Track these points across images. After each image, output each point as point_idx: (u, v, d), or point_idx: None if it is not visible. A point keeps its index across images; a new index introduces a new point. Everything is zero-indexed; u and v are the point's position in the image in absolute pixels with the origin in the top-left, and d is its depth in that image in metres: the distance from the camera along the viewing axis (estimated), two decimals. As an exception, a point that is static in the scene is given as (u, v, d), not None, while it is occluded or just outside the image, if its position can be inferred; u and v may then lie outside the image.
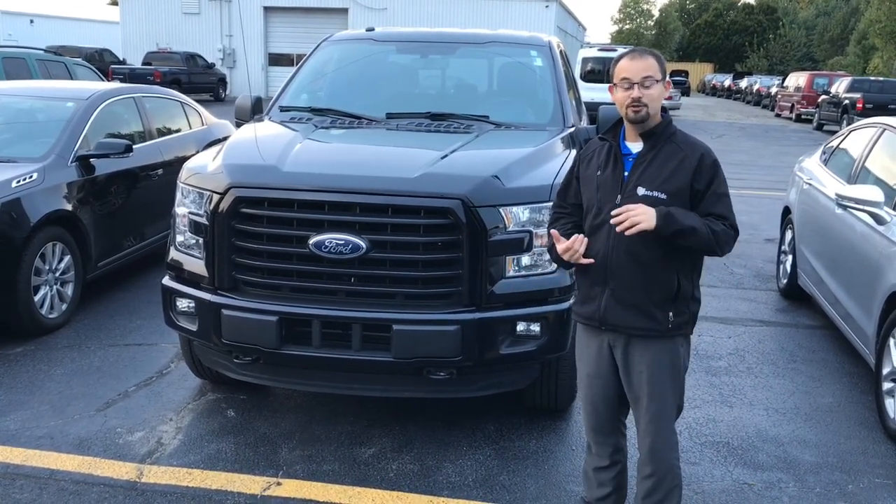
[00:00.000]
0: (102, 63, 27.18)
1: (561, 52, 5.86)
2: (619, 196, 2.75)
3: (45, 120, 6.25)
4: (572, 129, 4.80)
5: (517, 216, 3.62)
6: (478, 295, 3.58)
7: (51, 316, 5.42)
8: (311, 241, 3.53)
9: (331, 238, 3.51)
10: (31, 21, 38.53)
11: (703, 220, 2.67)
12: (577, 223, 2.93)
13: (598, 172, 2.83)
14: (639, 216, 2.60)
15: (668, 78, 2.79)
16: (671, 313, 2.75)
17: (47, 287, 5.39)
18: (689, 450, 4.06)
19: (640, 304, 2.75)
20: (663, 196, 2.69)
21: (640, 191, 2.71)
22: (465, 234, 3.51)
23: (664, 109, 2.81)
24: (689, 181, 2.70)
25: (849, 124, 10.47)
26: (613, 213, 2.66)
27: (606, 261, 2.76)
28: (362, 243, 3.49)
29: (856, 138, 6.12)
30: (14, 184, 5.21)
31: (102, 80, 13.20)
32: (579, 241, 2.76)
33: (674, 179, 2.70)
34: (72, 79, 12.46)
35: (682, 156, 2.73)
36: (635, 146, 2.80)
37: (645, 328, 2.77)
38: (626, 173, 2.77)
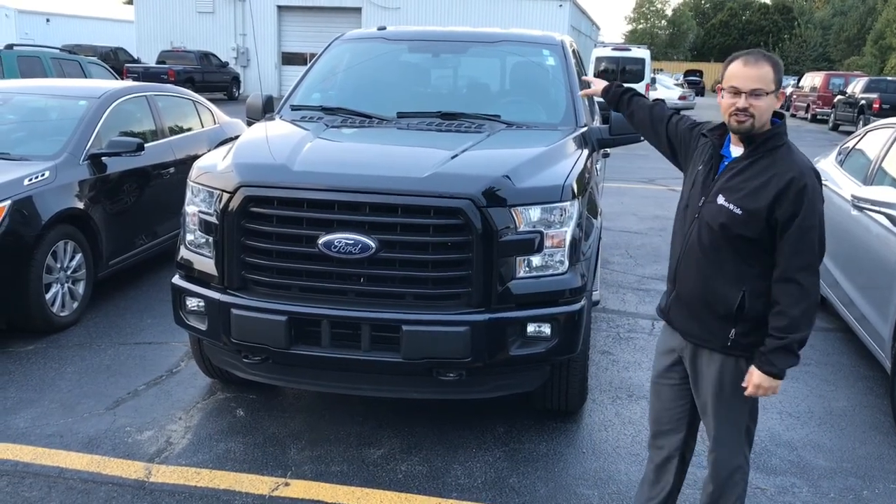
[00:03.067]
0: (117, 61, 27.40)
1: (574, 51, 5.83)
2: (702, 199, 2.63)
3: (57, 118, 6.27)
4: (584, 129, 4.77)
5: (528, 216, 3.59)
6: (488, 296, 3.55)
7: (62, 314, 5.43)
8: (321, 240, 3.51)
9: (340, 238, 3.49)
10: (48, 20, 38.77)
11: (794, 319, 2.47)
12: (643, 105, 3.21)
13: (699, 167, 2.72)
14: (764, 390, 2.56)
15: (783, 88, 2.60)
16: (734, 331, 2.59)
17: (59, 285, 5.40)
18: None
19: (699, 314, 2.66)
20: (738, 211, 2.50)
21: (720, 199, 2.56)
22: (475, 235, 3.48)
23: (779, 116, 2.60)
24: (770, 204, 2.46)
25: (865, 125, 10.36)
26: (747, 394, 2.60)
27: (678, 261, 2.72)
28: (372, 243, 3.48)
29: (872, 139, 6.05)
30: (26, 182, 5.23)
31: (116, 79, 13.26)
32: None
33: (754, 198, 2.49)
34: (86, 77, 12.52)
35: (772, 174, 2.49)
36: (735, 150, 2.63)
37: (701, 337, 2.68)
38: (716, 177, 2.64)
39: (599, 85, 3.68)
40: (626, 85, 3.42)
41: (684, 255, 2.68)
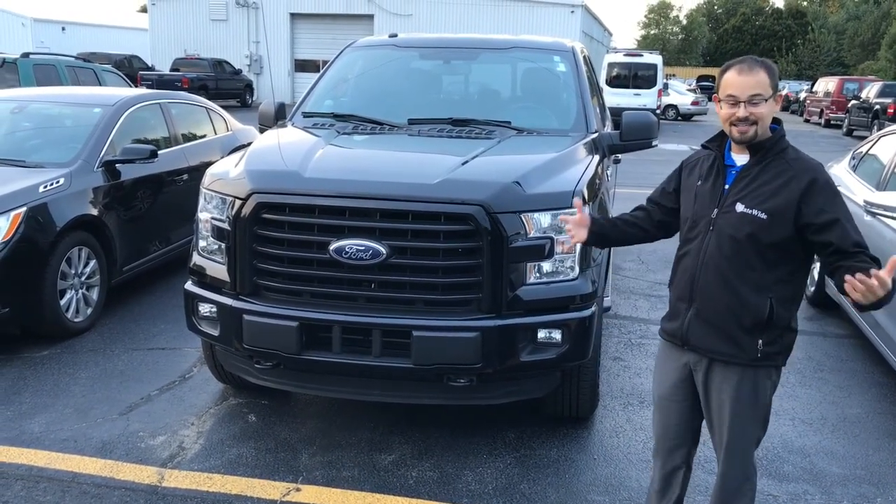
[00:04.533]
0: (131, 69, 27.62)
1: (585, 57, 5.83)
2: (715, 210, 2.60)
3: (72, 126, 6.32)
4: (595, 135, 4.77)
5: (538, 222, 3.60)
6: (498, 301, 3.55)
7: (76, 320, 5.48)
8: (332, 246, 3.53)
9: (351, 244, 3.51)
10: (63, 28, 39.12)
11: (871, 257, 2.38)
12: (651, 214, 2.90)
13: (699, 183, 2.68)
14: (878, 291, 2.21)
15: (780, 91, 2.57)
16: (761, 341, 2.56)
17: (73, 291, 5.45)
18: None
19: (725, 328, 2.59)
20: (763, 216, 2.48)
21: (739, 207, 2.53)
22: (485, 241, 3.49)
23: (777, 121, 2.61)
24: (796, 205, 2.46)
25: (879, 130, 10.31)
26: (848, 285, 2.26)
27: (694, 278, 2.64)
28: (383, 249, 3.49)
29: (885, 144, 6.02)
30: (41, 189, 5.28)
31: (131, 87, 13.36)
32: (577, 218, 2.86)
33: (777, 200, 2.48)
34: (100, 85, 12.62)
35: (791, 175, 2.49)
36: (740, 158, 2.61)
37: (728, 353, 2.61)
38: (726, 186, 2.60)
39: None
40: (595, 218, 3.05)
41: (702, 269, 2.62)
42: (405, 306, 3.61)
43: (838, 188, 2.56)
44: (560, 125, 4.94)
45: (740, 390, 2.64)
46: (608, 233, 2.98)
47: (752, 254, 2.53)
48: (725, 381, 2.65)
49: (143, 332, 5.61)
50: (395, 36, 5.85)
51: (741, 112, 2.49)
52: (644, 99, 24.00)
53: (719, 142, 2.70)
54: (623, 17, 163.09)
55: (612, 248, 4.49)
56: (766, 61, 2.54)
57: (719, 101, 2.57)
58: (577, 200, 2.95)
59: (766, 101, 2.50)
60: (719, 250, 2.58)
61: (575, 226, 2.93)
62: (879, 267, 2.30)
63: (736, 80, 2.51)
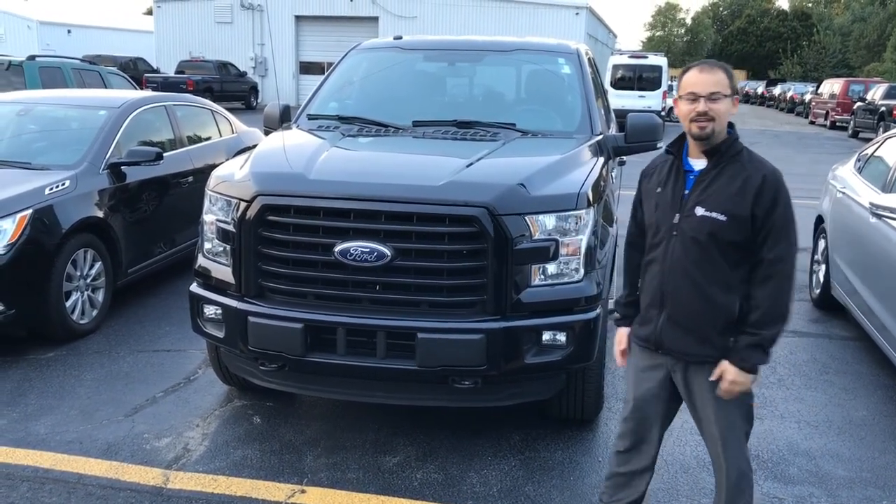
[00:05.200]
0: (136, 71, 27.66)
1: (589, 59, 5.83)
2: (677, 215, 2.66)
3: (78, 128, 6.34)
4: (600, 137, 4.77)
5: (543, 224, 3.60)
6: (503, 303, 3.55)
7: (82, 321, 5.49)
8: (337, 248, 3.53)
9: (356, 246, 3.51)
10: (69, 31, 39.21)
11: (767, 313, 2.55)
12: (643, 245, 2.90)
13: (659, 189, 2.75)
14: (738, 386, 2.59)
15: (738, 94, 2.67)
16: (732, 339, 2.62)
17: (78, 293, 5.46)
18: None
19: (698, 330, 2.66)
20: (723, 218, 2.57)
21: (699, 211, 2.61)
22: (490, 243, 3.49)
23: (731, 125, 2.69)
24: (751, 204, 2.56)
25: (885, 132, 10.29)
26: (721, 392, 2.62)
27: (663, 283, 2.69)
28: (387, 251, 3.49)
29: (891, 146, 6.00)
30: (47, 191, 5.29)
31: (136, 89, 13.40)
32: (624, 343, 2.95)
33: (735, 201, 2.57)
34: (106, 87, 12.66)
35: (746, 176, 2.58)
36: (698, 163, 2.69)
37: (703, 354, 2.67)
38: (686, 191, 2.67)
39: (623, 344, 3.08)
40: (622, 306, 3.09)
41: (668, 275, 2.68)
42: (410, 308, 3.61)
43: (790, 193, 2.64)
44: (565, 127, 4.93)
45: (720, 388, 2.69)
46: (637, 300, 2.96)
47: (716, 255, 2.60)
48: (705, 381, 2.71)
49: (149, 333, 5.63)
50: (400, 38, 5.86)
51: (701, 106, 2.58)
52: (649, 101, 23.95)
53: (678, 147, 2.77)
54: (628, 19, 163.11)
55: (615, 250, 4.48)
56: (724, 64, 2.69)
57: (679, 100, 2.67)
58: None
59: (725, 98, 2.60)
60: (685, 254, 2.64)
61: (623, 356, 3.01)
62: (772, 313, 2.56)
63: (697, 78, 2.62)
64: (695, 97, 2.59)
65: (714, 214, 2.58)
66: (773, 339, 2.59)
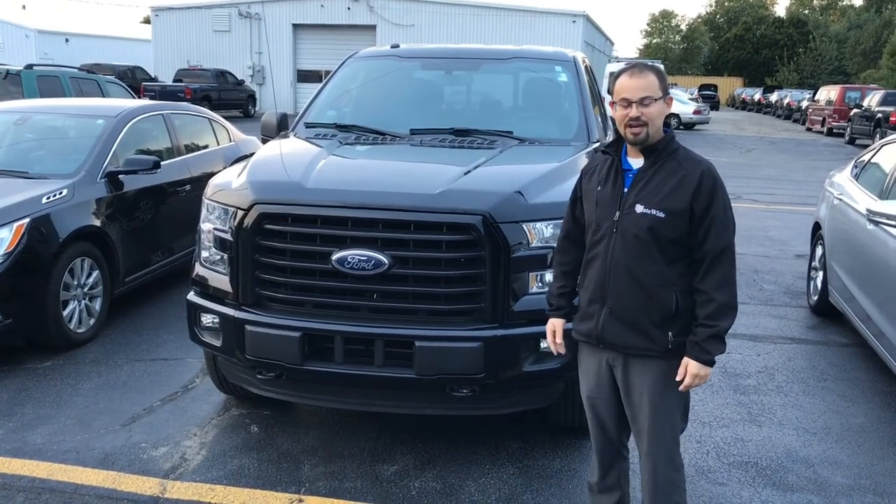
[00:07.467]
0: (134, 80, 27.71)
1: (586, 67, 5.84)
2: (617, 213, 2.71)
3: (75, 137, 6.35)
4: (597, 144, 4.77)
5: (540, 232, 3.60)
6: (501, 311, 3.55)
7: (79, 330, 5.48)
8: (334, 256, 3.53)
9: (353, 254, 3.51)
10: (67, 40, 39.29)
11: (721, 303, 2.60)
12: (576, 244, 2.95)
13: (599, 188, 2.80)
14: (699, 379, 2.64)
15: (669, 94, 2.71)
16: (671, 333, 2.68)
17: (76, 302, 5.45)
18: (717, 470, 3.99)
19: (637, 324, 2.70)
20: (661, 214, 2.62)
21: (639, 208, 2.65)
22: (487, 251, 3.49)
23: (667, 124, 2.75)
24: (689, 201, 2.61)
25: (882, 138, 10.31)
26: (683, 386, 2.67)
27: (604, 278, 2.73)
28: (385, 259, 3.49)
29: (888, 152, 6.02)
30: (44, 200, 5.29)
31: (133, 98, 13.41)
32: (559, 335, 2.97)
33: (673, 198, 2.62)
34: (103, 96, 12.67)
35: (683, 174, 2.64)
36: (636, 162, 2.74)
37: (643, 347, 2.72)
38: (625, 189, 2.72)
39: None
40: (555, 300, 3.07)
41: (611, 271, 2.71)
42: (407, 316, 3.60)
43: (726, 187, 2.71)
44: (562, 135, 4.94)
45: (657, 382, 2.74)
46: (572, 295, 3.02)
47: (654, 251, 2.65)
48: (643, 374, 2.75)
49: (146, 342, 5.62)
50: (397, 46, 5.87)
51: (633, 112, 2.61)
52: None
53: (616, 146, 2.81)
54: (625, 27, 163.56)
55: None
56: (655, 66, 2.72)
57: (614, 105, 2.70)
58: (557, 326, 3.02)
59: (657, 101, 2.63)
60: (625, 250, 2.68)
61: (558, 345, 3.01)
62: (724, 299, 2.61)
63: (628, 83, 2.64)
64: (627, 103, 2.62)
65: (653, 211, 2.63)
66: (728, 328, 2.65)
